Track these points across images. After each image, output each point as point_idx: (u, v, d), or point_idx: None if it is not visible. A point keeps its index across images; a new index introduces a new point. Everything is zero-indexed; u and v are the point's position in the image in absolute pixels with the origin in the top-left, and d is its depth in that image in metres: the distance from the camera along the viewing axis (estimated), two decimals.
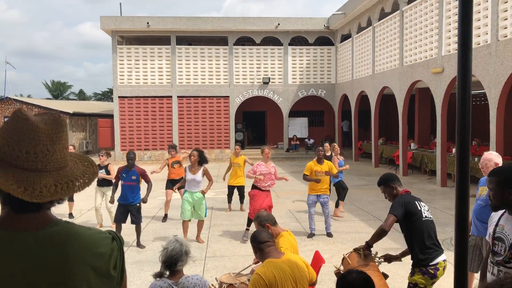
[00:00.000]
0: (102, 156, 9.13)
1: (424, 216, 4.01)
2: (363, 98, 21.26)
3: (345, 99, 23.30)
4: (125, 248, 6.52)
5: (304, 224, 9.10)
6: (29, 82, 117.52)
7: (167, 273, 3.38)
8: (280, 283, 3.25)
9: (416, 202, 4.11)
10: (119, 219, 7.61)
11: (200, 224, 7.91)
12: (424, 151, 16.84)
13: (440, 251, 4.00)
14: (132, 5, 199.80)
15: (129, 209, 7.60)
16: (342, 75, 23.86)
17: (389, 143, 21.59)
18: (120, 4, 26.00)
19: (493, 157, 4.64)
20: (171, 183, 9.95)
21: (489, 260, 2.90)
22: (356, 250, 4.02)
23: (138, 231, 7.67)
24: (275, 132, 26.49)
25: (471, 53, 2.08)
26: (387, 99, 22.25)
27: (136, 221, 7.63)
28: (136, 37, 25.75)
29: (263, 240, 3.55)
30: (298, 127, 26.28)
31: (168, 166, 10.11)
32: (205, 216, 7.91)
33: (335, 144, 10.74)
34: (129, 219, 7.70)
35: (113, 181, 8.21)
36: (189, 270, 6.31)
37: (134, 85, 23.78)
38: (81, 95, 62.59)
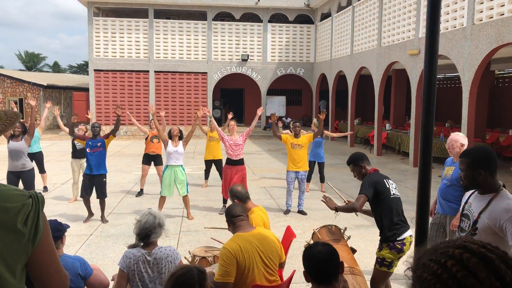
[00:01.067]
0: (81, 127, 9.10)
1: (392, 194, 4.13)
2: (341, 78, 21.39)
3: (323, 78, 23.39)
4: (99, 224, 6.51)
5: (279, 201, 9.24)
6: (1, 53, 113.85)
7: (141, 244, 3.43)
8: (247, 255, 3.34)
9: (384, 180, 4.22)
10: (86, 192, 7.52)
11: (186, 201, 7.92)
12: (398, 132, 17.14)
13: (406, 227, 4.14)
14: None
15: (94, 182, 7.53)
16: (321, 54, 23.88)
17: (365, 123, 21.88)
18: None
19: (459, 138, 4.78)
20: (146, 158, 9.93)
21: (455, 236, 3.05)
22: (326, 226, 4.14)
23: (103, 205, 7.61)
24: (253, 109, 26.46)
25: (438, 38, 2.14)
26: (364, 79, 22.44)
27: (102, 195, 7.58)
28: (113, 9, 25.13)
29: (235, 214, 3.62)
30: (276, 106, 26.32)
31: (146, 140, 10.04)
32: (187, 192, 7.90)
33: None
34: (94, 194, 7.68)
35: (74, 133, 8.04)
36: (163, 243, 6.37)
37: (110, 59, 23.32)
38: (56, 68, 61.07)
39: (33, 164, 8.23)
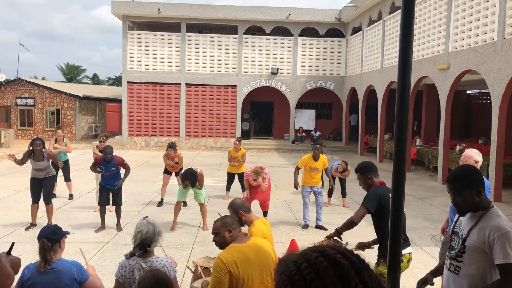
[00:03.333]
0: (103, 142, 9.29)
1: None
2: (371, 92, 21.15)
3: (353, 92, 23.19)
4: (116, 232, 6.61)
5: (297, 215, 9.17)
6: (46, 64, 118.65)
7: (140, 252, 3.48)
8: (241, 267, 3.32)
9: (389, 194, 4.13)
10: (103, 202, 7.72)
11: (203, 211, 8.01)
12: (428, 148, 16.75)
13: (406, 244, 4.05)
14: None
15: (112, 191, 7.75)
16: (351, 68, 23.73)
17: None
18: None
19: (473, 155, 4.64)
20: (167, 169, 10.08)
21: (446, 255, 2.95)
22: (327, 237, 4.09)
23: (119, 213, 7.79)
24: (281, 123, 26.51)
25: (411, 63, 2.11)
26: (395, 94, 22.06)
27: (118, 204, 7.76)
28: (147, 23, 25.84)
29: (233, 224, 3.62)
30: (305, 119, 26.24)
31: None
32: (203, 201, 8.01)
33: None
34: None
35: (91, 168, 8.07)
36: (176, 253, 6.44)
37: (143, 71, 23.92)
38: (95, 79, 63.00)
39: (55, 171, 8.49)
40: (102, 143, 9.20)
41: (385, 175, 9.31)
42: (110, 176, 7.73)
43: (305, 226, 8.29)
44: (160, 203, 9.84)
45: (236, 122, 24.36)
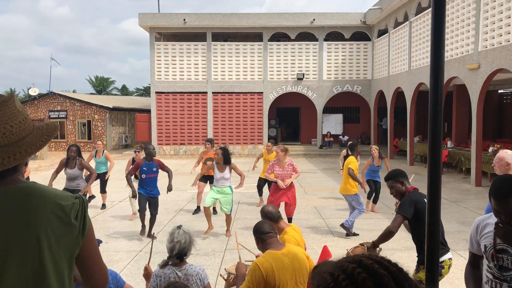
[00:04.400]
0: (138, 152, 9.41)
1: None
2: (399, 95, 20.86)
3: (381, 95, 22.93)
4: (149, 240, 6.72)
5: (328, 221, 9.10)
6: (76, 77, 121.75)
7: (176, 261, 3.53)
8: (278, 274, 3.32)
9: (424, 200, 4.07)
10: (143, 207, 7.83)
11: (228, 219, 8.05)
12: (460, 150, 16.37)
13: (446, 250, 3.97)
14: (173, 0, 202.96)
15: (150, 200, 7.84)
16: (378, 71, 23.48)
17: (426, 141, 21.08)
18: (158, 0, 26.49)
19: (505, 156, 4.51)
20: (202, 176, 10.05)
21: (490, 276, 2.65)
22: (361, 244, 4.05)
23: (153, 222, 7.89)
24: (308, 128, 26.41)
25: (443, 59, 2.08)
26: (424, 95, 21.73)
27: (154, 212, 7.88)
28: (173, 34, 26.25)
29: (264, 231, 3.62)
30: (332, 124, 26.08)
31: (202, 161, 10.24)
32: (230, 212, 8.01)
33: (372, 147, 10.57)
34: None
35: (127, 175, 8.13)
36: (208, 261, 6.48)
37: (170, 81, 24.28)
38: (124, 91, 64.21)
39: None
40: (137, 152, 9.34)
41: (417, 178, 9.14)
42: (150, 181, 7.80)
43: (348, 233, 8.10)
44: (197, 210, 9.87)
45: (263, 128, 24.41)
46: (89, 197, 10.56)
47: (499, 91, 23.68)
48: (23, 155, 1.55)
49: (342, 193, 8.28)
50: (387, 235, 4.03)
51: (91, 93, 53.24)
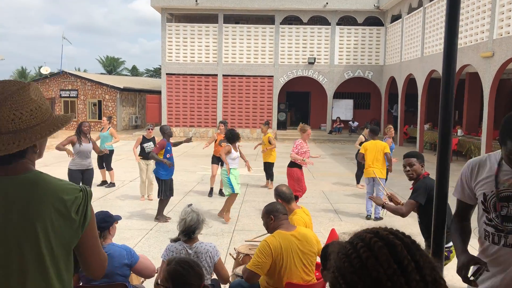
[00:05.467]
0: (151, 129, 9.52)
1: None
2: (411, 81, 20.71)
3: (392, 81, 22.79)
4: (156, 223, 6.83)
5: (335, 205, 9.19)
6: (87, 57, 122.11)
7: (185, 238, 3.64)
8: (286, 253, 3.42)
9: None
10: (171, 194, 7.94)
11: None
12: (471, 138, 16.31)
13: None
14: None
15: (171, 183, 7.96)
16: (390, 57, 23.29)
17: (436, 128, 20.99)
18: None
19: None
20: (216, 158, 10.11)
21: (491, 230, 2.31)
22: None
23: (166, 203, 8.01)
24: (318, 113, 26.36)
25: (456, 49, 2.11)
26: (436, 83, 21.56)
27: (171, 194, 8.00)
28: (185, 15, 26.16)
29: (278, 210, 3.70)
30: (342, 109, 26.01)
31: (215, 142, 10.28)
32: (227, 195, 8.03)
33: (390, 126, 10.58)
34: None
35: (153, 153, 7.96)
36: (217, 241, 6.61)
37: (181, 63, 24.29)
38: (134, 71, 64.27)
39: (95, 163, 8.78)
40: (150, 130, 9.46)
41: (426, 166, 9.15)
42: (172, 160, 7.91)
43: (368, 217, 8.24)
44: (210, 193, 9.89)
45: (272, 112, 24.42)
46: (110, 183, 10.71)
47: None
48: (27, 143, 1.58)
49: (380, 177, 8.34)
50: (397, 211, 4.18)
51: (102, 73, 53.40)
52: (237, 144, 8.17)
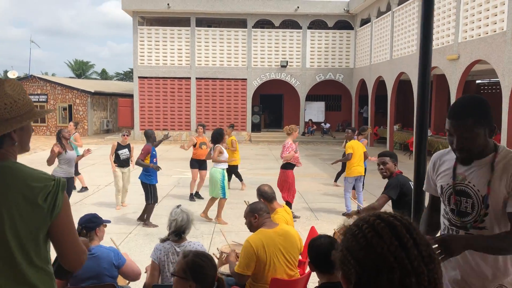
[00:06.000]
0: (126, 135, 9.36)
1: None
2: (380, 83, 21.24)
3: (362, 84, 23.29)
4: (137, 223, 6.83)
5: (311, 205, 9.39)
6: (55, 61, 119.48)
7: (176, 238, 3.73)
8: (268, 250, 3.56)
9: (409, 182, 4.39)
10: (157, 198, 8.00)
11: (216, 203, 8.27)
12: (439, 138, 16.86)
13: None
14: None
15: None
16: (360, 60, 23.81)
17: (405, 129, 21.59)
18: None
19: None
20: (197, 163, 10.09)
21: (446, 223, 2.33)
22: (346, 214, 4.35)
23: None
24: (291, 115, 26.65)
25: (431, 53, 2.30)
26: (405, 85, 22.17)
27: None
28: (157, 18, 26.05)
29: (263, 210, 3.85)
30: (315, 111, 26.39)
31: (194, 146, 10.28)
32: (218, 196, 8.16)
33: (368, 127, 11.24)
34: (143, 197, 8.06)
35: (140, 161, 7.97)
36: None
37: (154, 66, 24.18)
38: (104, 75, 63.36)
39: None
40: (125, 136, 9.30)
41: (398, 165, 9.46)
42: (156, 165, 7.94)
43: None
44: (192, 197, 9.87)
45: (246, 115, 24.57)
46: (82, 188, 10.59)
47: (477, 81, 24.28)
48: None
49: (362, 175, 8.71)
50: (372, 209, 4.36)
51: (71, 77, 52.42)
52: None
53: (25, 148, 1.85)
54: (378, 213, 1.13)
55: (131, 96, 25.88)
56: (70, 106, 27.48)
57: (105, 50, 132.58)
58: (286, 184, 8.11)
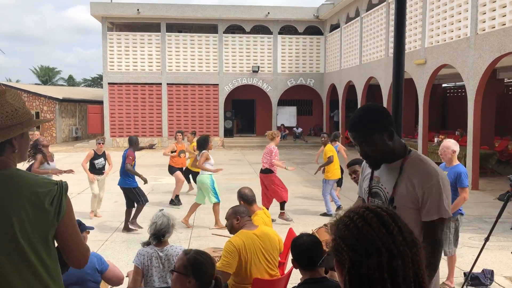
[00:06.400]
0: (101, 143, 9.20)
1: None
2: (350, 88, 21.65)
3: (333, 88, 23.67)
4: (113, 230, 6.77)
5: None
6: (18, 67, 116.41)
7: (155, 242, 3.75)
8: (249, 251, 3.63)
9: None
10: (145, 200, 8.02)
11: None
12: (408, 140, 17.31)
13: None
14: None
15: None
16: (330, 65, 24.21)
17: None
18: None
19: (451, 145, 5.04)
20: (177, 169, 10.13)
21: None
22: (325, 225, 4.41)
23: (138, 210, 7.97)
24: (264, 120, 26.82)
25: (404, 56, 2.42)
26: (374, 89, 22.67)
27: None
28: (127, 24, 25.81)
29: (244, 212, 3.94)
30: (287, 116, 26.65)
31: (173, 152, 10.22)
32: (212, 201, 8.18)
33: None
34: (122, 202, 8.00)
35: (130, 167, 7.94)
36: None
37: (124, 72, 23.92)
38: (71, 81, 62.18)
39: None
40: (100, 144, 9.14)
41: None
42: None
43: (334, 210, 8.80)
44: (179, 201, 9.87)
45: (219, 120, 24.58)
46: None
47: (443, 85, 25.08)
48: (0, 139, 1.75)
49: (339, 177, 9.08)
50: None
51: (36, 84, 51.21)
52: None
53: (23, 156, 1.91)
54: (366, 206, 1.25)
55: (100, 102, 25.52)
56: (37, 113, 26.84)
57: (72, 56, 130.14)
58: (273, 187, 8.30)
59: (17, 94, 1.88)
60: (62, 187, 1.84)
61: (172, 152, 10.26)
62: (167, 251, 3.65)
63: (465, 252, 6.42)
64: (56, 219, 1.81)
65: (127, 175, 7.83)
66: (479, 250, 4.67)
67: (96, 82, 59.11)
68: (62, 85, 56.07)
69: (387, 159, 2.28)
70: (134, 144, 8.14)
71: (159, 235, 3.69)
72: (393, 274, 1.13)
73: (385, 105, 16.86)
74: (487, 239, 4.62)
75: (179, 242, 7.13)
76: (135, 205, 7.83)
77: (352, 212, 1.24)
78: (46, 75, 57.46)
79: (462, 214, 5.11)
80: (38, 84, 49.49)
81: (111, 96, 23.97)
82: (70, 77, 63.35)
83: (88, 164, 8.95)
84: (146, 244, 3.73)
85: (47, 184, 1.82)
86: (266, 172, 8.39)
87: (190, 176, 11.07)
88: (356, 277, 1.16)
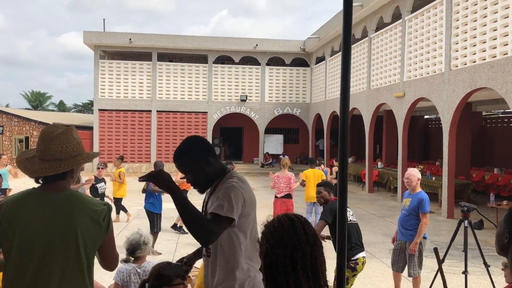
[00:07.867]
0: (101, 168, 9.48)
1: (348, 220, 4.81)
2: (335, 118, 22.27)
3: (318, 118, 24.30)
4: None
5: None
6: (10, 91, 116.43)
7: (132, 259, 4.07)
8: None
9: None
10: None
11: None
12: (389, 170, 17.81)
13: (361, 249, 4.80)
14: (117, 15, 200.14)
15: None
16: (316, 95, 24.91)
17: (359, 161, 22.58)
18: (104, 20, 26.56)
19: (415, 173, 5.50)
20: None
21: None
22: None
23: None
24: (251, 147, 27.29)
25: (349, 96, 2.87)
26: (357, 119, 23.32)
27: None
28: (118, 52, 26.41)
29: None
30: (273, 144, 27.15)
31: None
32: None
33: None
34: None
35: (153, 187, 8.35)
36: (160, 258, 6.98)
37: (114, 99, 24.37)
38: (61, 106, 62.43)
39: None
40: (100, 169, 9.43)
41: (350, 196, 10.12)
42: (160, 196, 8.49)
43: None
44: (181, 229, 9.95)
45: None
46: None
47: (425, 117, 25.83)
48: (69, 167, 2.25)
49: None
50: None
51: (27, 108, 51.41)
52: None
53: (76, 180, 2.40)
54: (287, 213, 1.67)
55: (90, 128, 25.84)
56: (27, 138, 27.05)
57: (63, 81, 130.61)
58: (292, 210, 9.20)
59: (76, 131, 2.38)
60: (109, 208, 2.30)
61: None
62: (144, 267, 3.96)
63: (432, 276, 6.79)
64: (105, 232, 2.25)
65: (150, 199, 8.34)
66: (435, 273, 5.07)
67: (86, 107, 59.43)
68: (52, 110, 56.30)
69: (211, 182, 2.61)
70: (158, 168, 8.55)
71: (130, 250, 4.00)
72: (293, 262, 1.55)
73: (367, 135, 17.45)
74: (442, 261, 5.02)
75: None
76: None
77: (276, 218, 1.67)
78: (37, 100, 57.70)
79: (425, 238, 5.53)
80: (29, 109, 49.71)
81: (101, 122, 24.34)
82: (61, 102, 63.65)
83: (88, 190, 9.24)
84: (125, 261, 4.04)
85: (99, 204, 2.28)
86: (288, 197, 9.27)
87: None
88: (269, 262, 1.58)
